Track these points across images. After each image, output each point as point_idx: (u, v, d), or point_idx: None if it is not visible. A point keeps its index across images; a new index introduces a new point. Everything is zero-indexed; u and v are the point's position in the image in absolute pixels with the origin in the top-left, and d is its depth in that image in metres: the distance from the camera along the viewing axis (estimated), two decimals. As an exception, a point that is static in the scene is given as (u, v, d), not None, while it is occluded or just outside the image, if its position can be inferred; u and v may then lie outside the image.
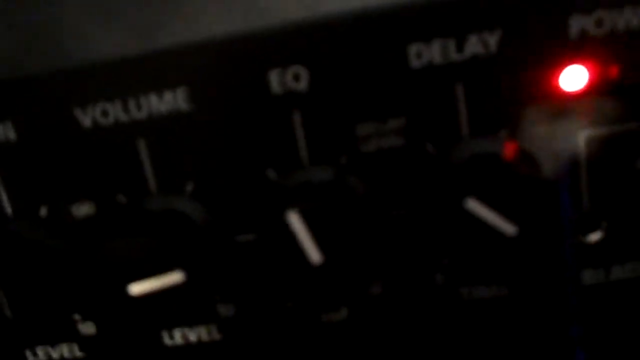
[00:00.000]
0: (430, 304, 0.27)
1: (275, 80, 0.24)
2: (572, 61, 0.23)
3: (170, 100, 0.24)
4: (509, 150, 0.24)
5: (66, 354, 0.28)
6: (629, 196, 0.25)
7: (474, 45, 0.23)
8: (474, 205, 0.22)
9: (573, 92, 0.24)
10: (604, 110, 0.24)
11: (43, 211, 0.26)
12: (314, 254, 0.22)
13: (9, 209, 0.26)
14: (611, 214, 0.26)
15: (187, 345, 0.28)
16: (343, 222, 0.24)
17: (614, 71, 0.23)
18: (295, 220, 0.22)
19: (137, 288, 0.23)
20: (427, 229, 0.25)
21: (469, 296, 0.27)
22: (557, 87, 0.24)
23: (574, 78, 0.24)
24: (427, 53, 0.23)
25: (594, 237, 0.26)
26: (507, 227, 0.22)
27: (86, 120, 0.25)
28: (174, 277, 0.23)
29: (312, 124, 0.25)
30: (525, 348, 0.27)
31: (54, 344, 0.28)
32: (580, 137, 0.24)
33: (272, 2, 0.24)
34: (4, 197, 0.26)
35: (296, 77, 0.24)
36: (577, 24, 0.23)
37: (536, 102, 0.24)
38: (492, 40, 0.23)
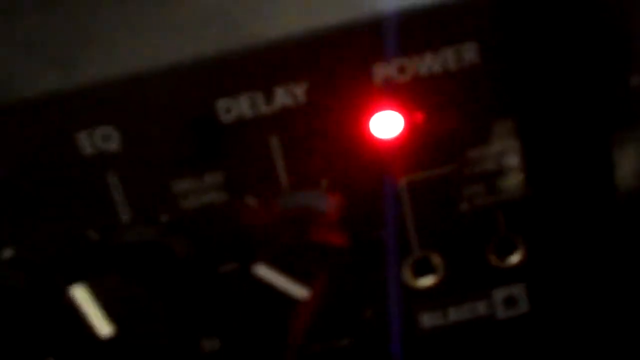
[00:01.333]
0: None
1: (84, 141, 0.23)
2: (381, 108, 0.23)
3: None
4: (332, 202, 0.24)
5: None
6: (457, 237, 0.25)
7: (282, 97, 0.23)
8: (263, 270, 0.21)
9: (387, 138, 0.24)
10: (420, 155, 0.24)
11: None
12: (103, 328, 0.21)
13: None
14: (442, 256, 0.26)
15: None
16: (166, 282, 0.24)
17: (419, 117, 0.23)
18: (79, 294, 0.21)
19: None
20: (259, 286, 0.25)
21: (316, 350, 0.27)
22: (370, 135, 0.24)
23: (387, 125, 0.23)
24: (237, 107, 0.23)
25: (426, 281, 0.26)
26: (299, 291, 0.22)
27: None
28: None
29: (128, 183, 0.24)
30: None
31: None
32: (401, 183, 0.24)
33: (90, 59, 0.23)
34: None
35: (106, 138, 0.23)
36: (381, 71, 0.23)
37: (351, 151, 0.24)
38: (299, 90, 0.23)
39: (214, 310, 0.25)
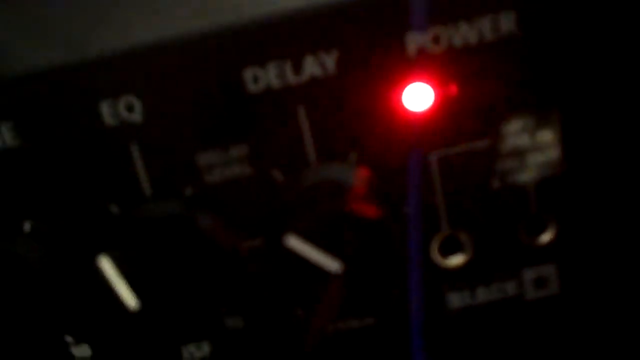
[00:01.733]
0: (294, 337, 0.26)
1: (107, 111, 0.23)
2: (413, 80, 0.22)
3: (-5, 137, 0.23)
4: (360, 176, 0.23)
5: None
6: (487, 215, 0.25)
7: (311, 67, 0.22)
8: (295, 242, 0.21)
9: (418, 111, 0.23)
10: (452, 129, 0.23)
11: None
12: (130, 300, 0.21)
13: None
14: (472, 234, 0.25)
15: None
16: (191, 256, 0.23)
17: (452, 89, 0.22)
18: (106, 265, 0.21)
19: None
20: (281, 263, 0.24)
21: (336, 328, 0.26)
22: (402, 107, 0.23)
23: (418, 97, 0.23)
24: (264, 77, 0.22)
25: (455, 260, 0.25)
26: (330, 264, 0.21)
27: None
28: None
29: (151, 156, 0.23)
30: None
31: None
32: (431, 158, 0.24)
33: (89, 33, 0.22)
34: None
35: (129, 108, 0.23)
36: (414, 41, 0.22)
37: (381, 123, 0.23)
38: (329, 60, 0.22)
39: (237, 287, 0.25)
